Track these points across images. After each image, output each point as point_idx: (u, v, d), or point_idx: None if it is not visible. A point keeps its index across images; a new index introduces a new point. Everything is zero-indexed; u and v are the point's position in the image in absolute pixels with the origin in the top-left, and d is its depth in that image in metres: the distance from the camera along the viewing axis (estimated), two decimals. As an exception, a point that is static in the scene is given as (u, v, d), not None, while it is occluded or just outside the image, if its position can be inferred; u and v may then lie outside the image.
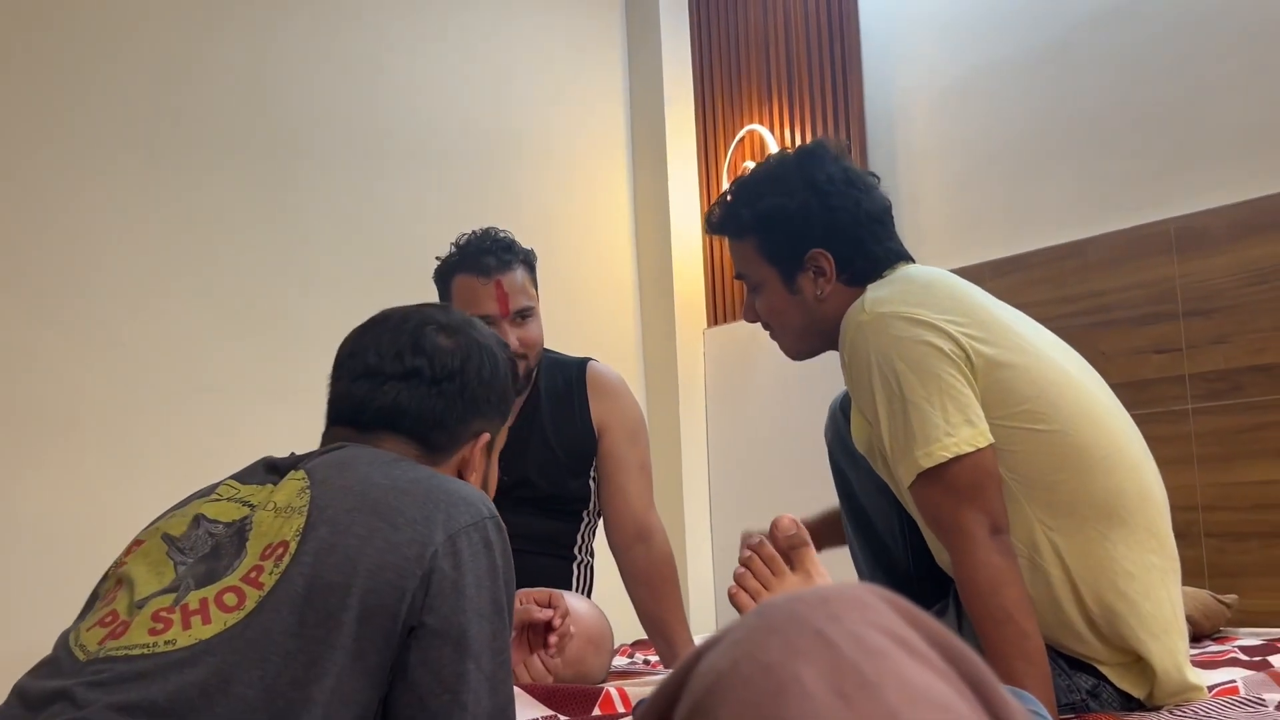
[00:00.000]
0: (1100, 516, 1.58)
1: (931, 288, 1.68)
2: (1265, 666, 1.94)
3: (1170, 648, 1.58)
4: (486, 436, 1.35)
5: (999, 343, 1.62)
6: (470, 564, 1.12)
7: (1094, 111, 3.10)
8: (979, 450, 1.53)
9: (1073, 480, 1.59)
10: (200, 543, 1.15)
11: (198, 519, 1.18)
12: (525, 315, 2.25)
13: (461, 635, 1.09)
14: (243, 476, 1.25)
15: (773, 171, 1.84)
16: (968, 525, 1.52)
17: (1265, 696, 1.62)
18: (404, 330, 1.32)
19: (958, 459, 1.52)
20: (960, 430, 1.53)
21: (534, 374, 2.32)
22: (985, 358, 1.59)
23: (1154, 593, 1.59)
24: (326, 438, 1.31)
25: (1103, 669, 1.60)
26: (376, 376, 1.29)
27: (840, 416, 2.07)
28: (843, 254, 1.76)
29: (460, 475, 1.33)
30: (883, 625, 0.51)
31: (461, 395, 1.31)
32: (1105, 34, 3.07)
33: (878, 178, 1.86)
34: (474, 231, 2.31)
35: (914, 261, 1.81)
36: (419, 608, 1.08)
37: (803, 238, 1.76)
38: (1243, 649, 2.20)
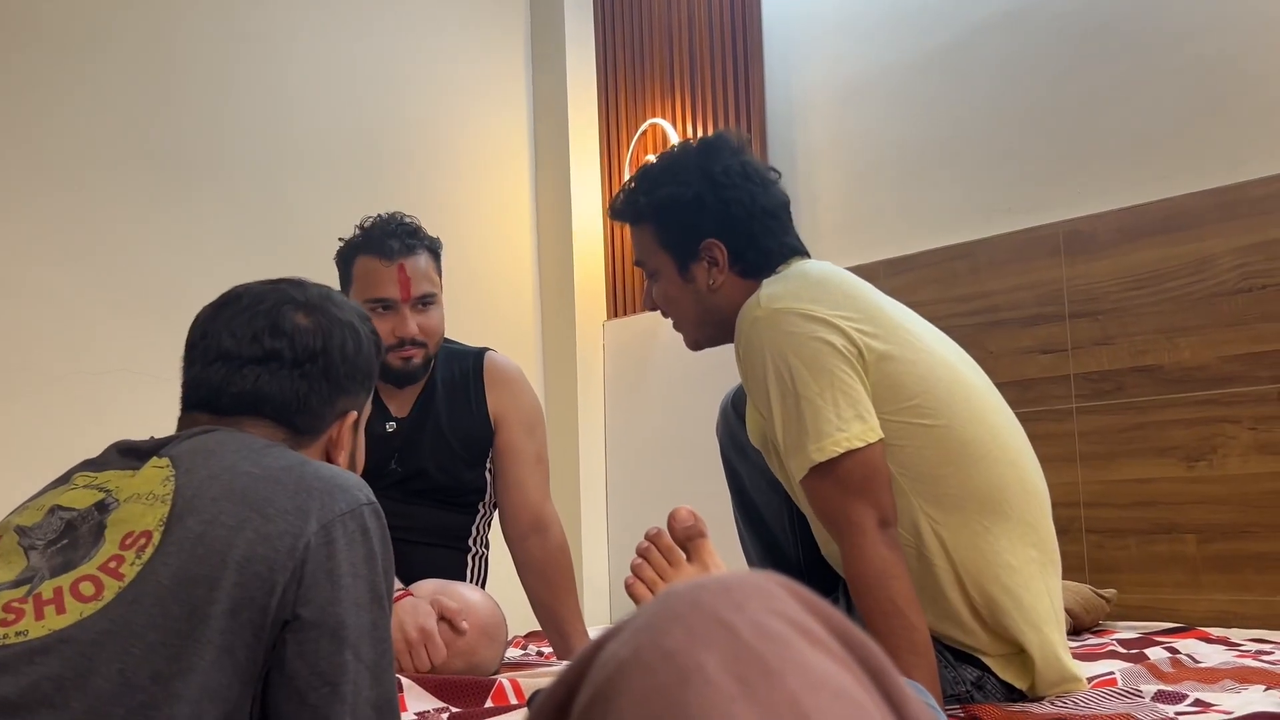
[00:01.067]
0: (983, 510, 1.63)
1: (826, 283, 1.71)
2: (1142, 659, 2.00)
3: (1049, 639, 1.63)
4: (354, 415, 1.31)
5: (889, 338, 1.66)
6: (346, 553, 1.09)
7: (987, 115, 3.16)
8: (869, 445, 1.57)
9: (957, 474, 1.63)
10: (54, 532, 1.10)
11: (53, 510, 1.12)
12: (427, 302, 2.23)
13: (339, 626, 1.06)
14: (96, 464, 1.19)
15: (673, 161, 1.86)
16: (857, 518, 1.55)
17: (1142, 688, 1.68)
18: (259, 311, 1.26)
19: (849, 454, 1.56)
20: (851, 425, 1.57)
21: (432, 363, 2.29)
22: (876, 353, 1.63)
23: (1033, 585, 1.63)
24: (183, 423, 1.25)
25: (986, 660, 1.64)
26: (233, 360, 1.23)
27: (732, 413, 2.10)
28: (735, 246, 1.78)
29: (328, 456, 1.28)
30: (784, 613, 0.51)
31: (326, 376, 1.26)
32: (998, 39, 3.14)
33: (778, 173, 1.89)
34: (379, 215, 2.27)
35: (810, 257, 1.85)
36: (292, 600, 1.05)
37: (696, 227, 1.79)
38: (1120, 642, 2.28)
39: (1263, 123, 2.65)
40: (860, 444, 1.56)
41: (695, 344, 1.95)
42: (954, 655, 1.64)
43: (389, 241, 2.20)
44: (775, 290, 1.69)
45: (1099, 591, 2.54)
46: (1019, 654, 1.63)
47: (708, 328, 1.89)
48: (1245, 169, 2.63)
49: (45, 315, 3.06)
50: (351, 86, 3.79)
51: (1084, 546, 2.76)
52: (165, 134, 3.34)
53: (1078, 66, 2.97)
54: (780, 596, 0.52)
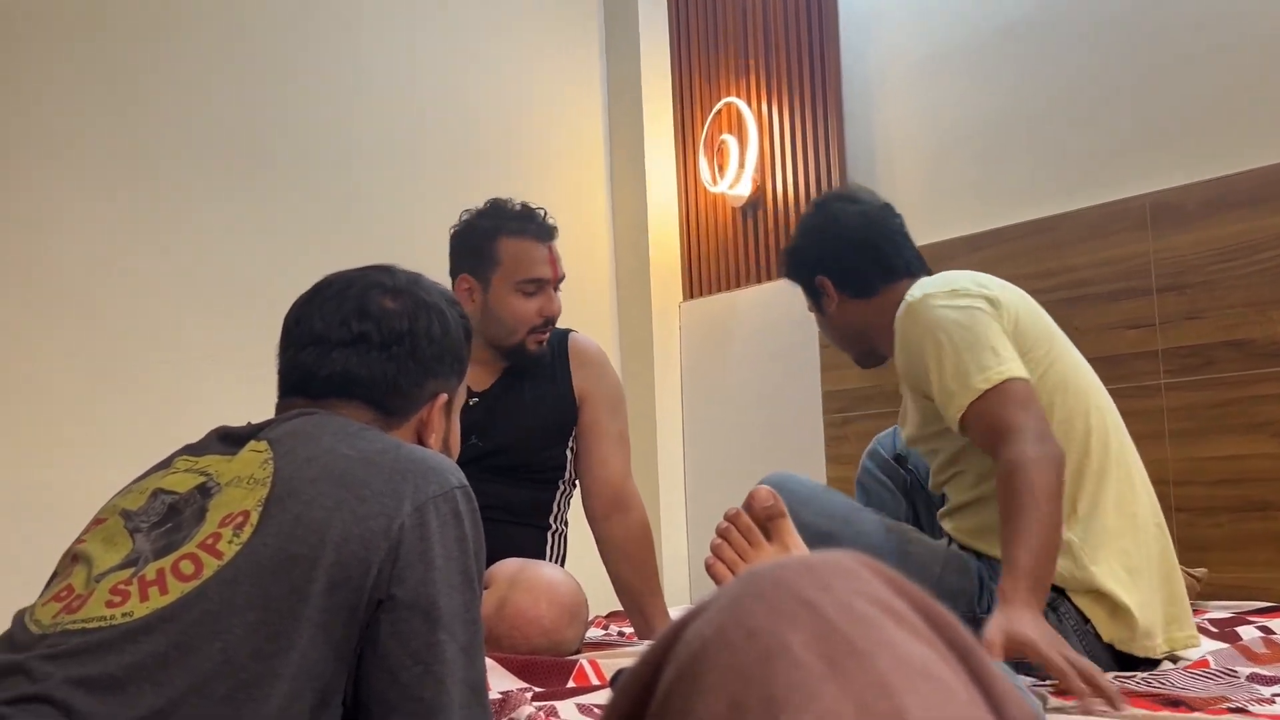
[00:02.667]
0: (1081, 452, 1.81)
1: (958, 275, 1.97)
2: (1234, 639, 1.96)
3: (1128, 585, 1.74)
4: (444, 397, 1.32)
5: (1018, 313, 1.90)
6: (439, 535, 1.10)
7: (1069, 86, 3.10)
8: (1026, 380, 1.75)
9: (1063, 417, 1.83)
10: (158, 515, 1.13)
11: (156, 493, 1.16)
12: (559, 286, 2.31)
13: (431, 606, 1.08)
14: (197, 449, 1.23)
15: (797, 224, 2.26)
16: (1019, 423, 1.69)
17: (1237, 669, 1.64)
18: (349, 295, 1.29)
19: (1010, 380, 1.74)
20: (1010, 362, 1.76)
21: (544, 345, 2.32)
22: (1011, 319, 1.87)
23: (1120, 528, 1.79)
24: (280, 408, 1.28)
25: (1070, 595, 1.74)
26: (324, 344, 1.26)
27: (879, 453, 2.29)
28: (836, 278, 2.10)
29: (419, 438, 1.30)
30: (871, 594, 0.50)
31: (413, 357, 1.28)
32: (1081, 8, 3.06)
33: (876, 208, 2.14)
34: (500, 200, 2.32)
35: (929, 271, 2.09)
36: (387, 580, 1.06)
37: (807, 270, 2.14)
38: (1212, 621, 2.23)
39: (1359, 87, 2.56)
40: (1021, 375, 1.75)
41: (857, 362, 2.23)
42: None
43: (537, 223, 2.27)
44: (915, 291, 1.92)
45: (1189, 571, 2.48)
46: (1101, 596, 1.74)
47: (851, 345, 2.18)
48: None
49: (138, 306, 3.13)
50: (426, 74, 3.82)
51: (1173, 525, 2.69)
52: (244, 129, 3.39)
53: (1163, 34, 2.90)
54: (865, 577, 0.52)
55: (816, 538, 1.75)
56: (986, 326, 1.81)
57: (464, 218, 2.35)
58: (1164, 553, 1.86)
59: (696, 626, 0.52)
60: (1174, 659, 1.81)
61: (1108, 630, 1.73)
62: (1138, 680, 1.62)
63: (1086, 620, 1.74)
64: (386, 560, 1.07)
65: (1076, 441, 1.81)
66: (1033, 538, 1.59)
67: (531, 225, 2.27)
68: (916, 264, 2.10)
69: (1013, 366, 1.75)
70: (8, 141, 2.97)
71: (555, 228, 2.31)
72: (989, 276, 1.98)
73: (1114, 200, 2.92)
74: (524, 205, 2.31)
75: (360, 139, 3.64)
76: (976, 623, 1.66)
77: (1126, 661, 1.79)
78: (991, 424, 1.72)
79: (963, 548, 1.90)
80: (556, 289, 2.31)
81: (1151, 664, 1.80)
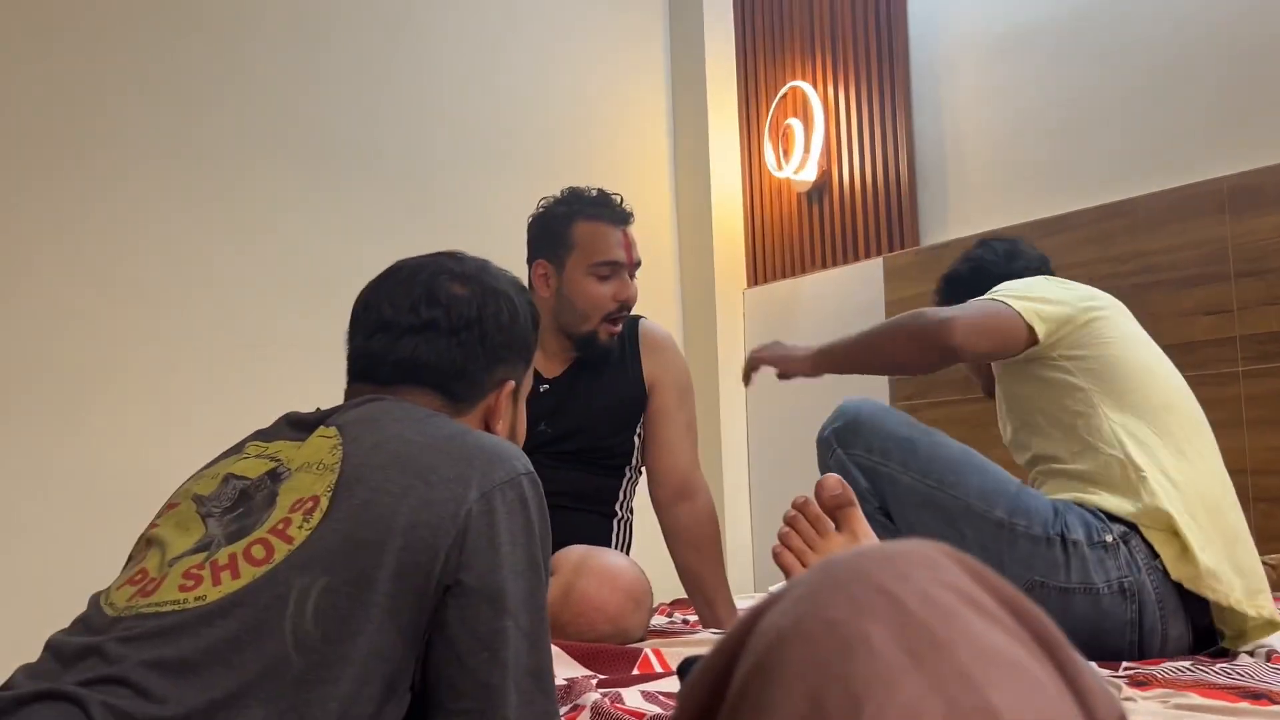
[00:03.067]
0: (1153, 418, 1.90)
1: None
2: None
3: (1203, 535, 1.81)
4: (511, 384, 1.32)
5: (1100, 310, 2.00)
6: (506, 521, 1.10)
7: (1144, 68, 3.03)
8: (1019, 313, 1.91)
9: (1137, 387, 1.93)
10: (230, 500, 1.14)
11: (227, 478, 1.17)
12: (634, 272, 2.31)
13: (498, 593, 1.08)
14: (267, 434, 1.24)
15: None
16: (949, 311, 1.93)
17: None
18: (417, 281, 1.29)
19: (999, 303, 1.93)
20: (1019, 302, 1.92)
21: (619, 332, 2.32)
22: (1088, 315, 1.97)
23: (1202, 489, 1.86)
24: (349, 394, 1.29)
25: (1141, 529, 1.82)
26: (392, 330, 1.26)
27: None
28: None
29: (487, 425, 1.30)
30: (952, 584, 0.49)
31: (481, 344, 1.28)
32: (1158, -13, 3.00)
33: (1036, 258, 2.26)
34: (577, 187, 2.33)
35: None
36: (455, 566, 1.07)
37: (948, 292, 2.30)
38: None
39: None
40: (1016, 306, 1.91)
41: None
42: (1108, 515, 1.84)
43: (613, 208, 2.28)
44: None
45: (1264, 559, 2.42)
46: (1171, 536, 1.80)
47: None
48: None
49: (215, 297, 3.18)
50: (493, 60, 3.83)
51: (1252, 515, 2.63)
52: (324, 128, 3.42)
53: (1242, 12, 2.82)
54: (947, 567, 0.50)
55: (896, 442, 1.92)
56: (1031, 286, 1.98)
57: (541, 205, 2.35)
58: (1238, 526, 1.90)
59: (772, 617, 0.51)
60: (1251, 650, 1.78)
61: (1175, 569, 1.79)
62: (1216, 670, 1.59)
63: (1156, 555, 1.80)
64: (454, 546, 1.07)
65: (1158, 418, 1.91)
66: (868, 333, 2.04)
67: (606, 209, 2.27)
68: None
69: (1010, 301, 1.93)
70: (93, 142, 3.02)
71: (631, 213, 2.31)
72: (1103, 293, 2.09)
73: (1191, 183, 2.85)
74: (600, 191, 2.31)
75: (434, 135, 3.66)
76: (1047, 541, 1.81)
77: (1203, 639, 1.83)
78: (967, 305, 1.98)
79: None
80: (632, 275, 2.30)
81: (1227, 653, 1.82)
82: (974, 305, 1.96)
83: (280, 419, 1.26)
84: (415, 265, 1.33)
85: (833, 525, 1.35)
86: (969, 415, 3.17)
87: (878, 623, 0.47)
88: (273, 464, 1.16)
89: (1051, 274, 2.21)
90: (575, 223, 2.27)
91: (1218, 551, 1.80)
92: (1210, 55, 2.88)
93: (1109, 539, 1.80)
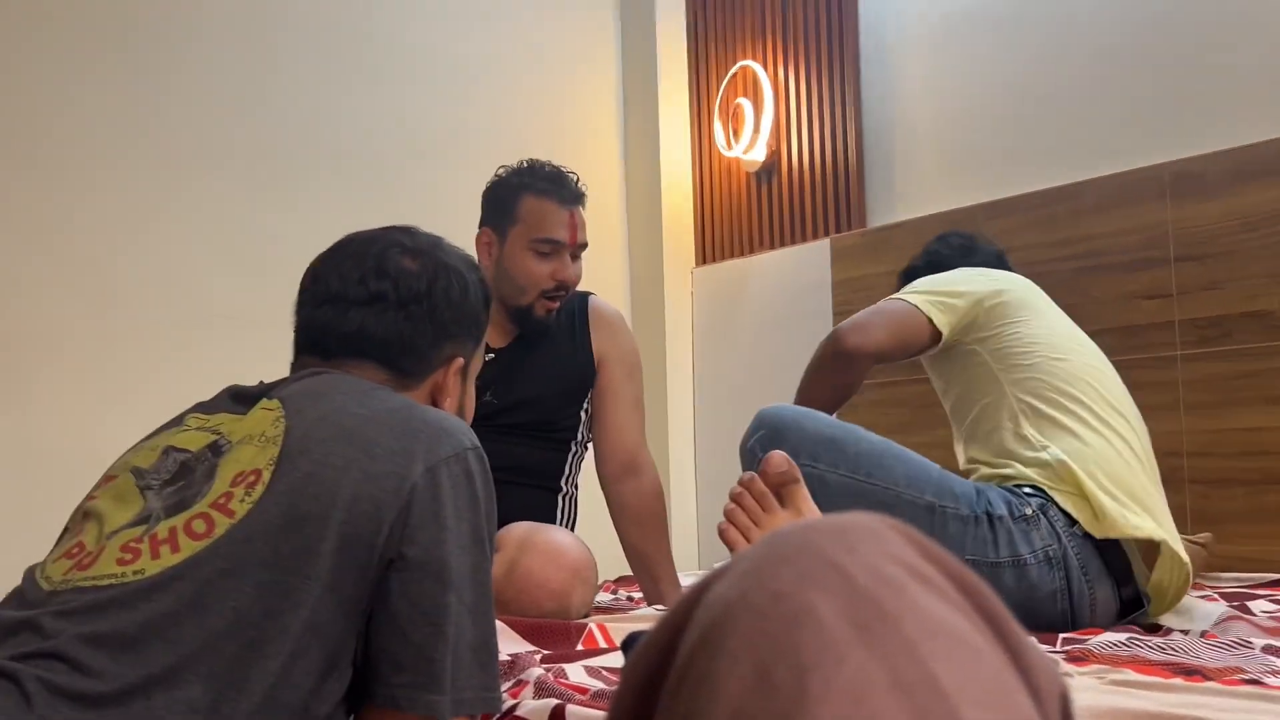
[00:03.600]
0: (1059, 396, 2.00)
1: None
2: (1245, 612, 1.95)
3: (1111, 493, 1.90)
4: (460, 361, 1.31)
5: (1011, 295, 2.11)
6: (450, 495, 1.09)
7: (1091, 53, 3.06)
8: (928, 317, 2.05)
9: (1043, 366, 2.03)
10: (169, 473, 1.12)
11: (167, 450, 1.15)
12: (578, 254, 2.29)
13: (442, 567, 1.07)
14: (209, 406, 1.22)
15: None
16: (881, 319, 2.08)
17: (1252, 640, 1.63)
18: (367, 254, 1.27)
19: (901, 303, 2.08)
20: (914, 296, 2.07)
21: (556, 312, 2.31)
22: (993, 296, 2.09)
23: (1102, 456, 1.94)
24: (295, 367, 1.28)
25: (1051, 494, 1.90)
26: (339, 302, 1.24)
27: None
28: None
29: (434, 402, 1.29)
30: (898, 557, 0.49)
31: (430, 318, 1.26)
32: (1106, -26, 3.02)
33: (993, 254, 2.35)
34: (536, 160, 2.31)
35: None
36: (398, 540, 1.06)
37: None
38: (1223, 595, 2.22)
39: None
40: (911, 300, 2.07)
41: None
42: (1022, 489, 1.93)
43: (566, 187, 2.26)
44: None
45: (1192, 539, 2.47)
46: (1082, 496, 1.89)
47: None
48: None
49: (144, 266, 3.12)
50: (443, 33, 3.79)
51: (1187, 497, 2.68)
52: (258, 87, 3.37)
53: (1189, 2, 2.85)
54: (894, 540, 0.50)
55: (822, 443, 1.95)
56: (932, 282, 2.13)
57: (498, 174, 2.33)
58: (1158, 497, 1.99)
59: (719, 590, 0.51)
60: (1185, 628, 1.82)
61: (1093, 527, 1.88)
62: (1152, 645, 1.62)
63: (1073, 521, 1.89)
64: (398, 520, 1.06)
65: (1057, 386, 2.00)
66: (801, 383, 2.19)
67: (556, 187, 2.25)
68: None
69: (906, 296, 2.09)
70: (37, 118, 2.95)
71: (583, 194, 2.29)
72: (1013, 276, 2.20)
73: (1134, 169, 2.89)
74: (555, 167, 2.29)
75: (382, 108, 3.61)
76: (974, 519, 1.88)
77: (1129, 605, 1.92)
78: (874, 306, 2.12)
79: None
80: (575, 256, 2.28)
81: (1155, 628, 1.88)
82: (870, 308, 2.12)
83: (222, 391, 1.24)
84: (366, 238, 1.31)
85: (778, 502, 1.35)
86: (910, 396, 3.20)
87: (825, 595, 0.47)
88: (214, 437, 1.15)
89: (1009, 268, 2.30)
90: (523, 196, 2.25)
91: (1127, 501, 1.89)
92: (1155, 43, 2.92)
93: (1029, 511, 1.89)
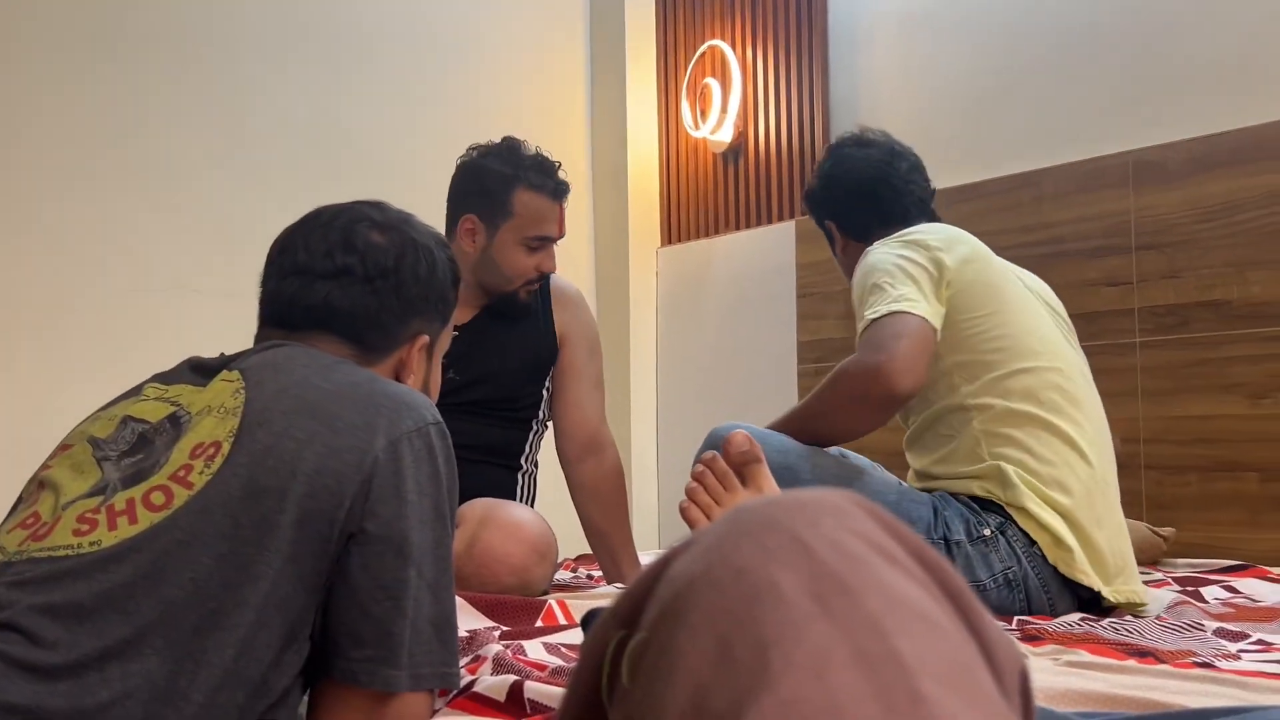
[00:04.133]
0: (1023, 401, 1.91)
1: (924, 229, 2.05)
2: (1198, 598, 1.98)
3: (1070, 518, 1.85)
4: (425, 338, 1.31)
5: (972, 267, 1.97)
6: (412, 470, 1.09)
7: (1057, 42, 3.07)
8: (922, 317, 1.85)
9: (1006, 367, 1.93)
10: (127, 444, 1.11)
11: (125, 420, 1.14)
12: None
13: (403, 541, 1.07)
14: (168, 377, 1.21)
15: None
16: (877, 342, 1.83)
17: (1204, 623, 1.66)
18: (335, 227, 1.27)
19: (902, 314, 1.85)
20: (912, 299, 1.87)
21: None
22: (955, 271, 1.95)
23: (1058, 471, 1.89)
24: (258, 338, 1.27)
25: (1010, 511, 1.86)
26: (306, 274, 1.23)
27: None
28: (841, 223, 2.22)
29: (398, 378, 1.29)
30: (862, 532, 0.49)
31: (397, 294, 1.26)
32: (1074, -38, 3.04)
33: (885, 151, 2.20)
34: (515, 141, 2.29)
35: (932, 218, 2.18)
36: (359, 514, 1.05)
37: (820, 214, 2.28)
38: (1176, 579, 2.25)
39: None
40: (912, 310, 1.85)
41: None
42: (979, 504, 1.88)
43: (557, 180, 2.27)
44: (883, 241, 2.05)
45: (1157, 530, 2.51)
46: (1039, 524, 1.85)
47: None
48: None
49: (104, 235, 3.08)
50: (412, 5, 3.75)
51: (1143, 483, 2.72)
52: (218, 46, 3.33)
53: (1154, -10, 2.88)
54: (857, 515, 0.50)
55: (778, 470, 1.77)
56: (908, 273, 1.92)
57: (475, 154, 2.31)
58: (1110, 508, 1.93)
59: (681, 564, 0.51)
60: (1136, 613, 1.84)
61: (1051, 553, 1.84)
62: (1105, 625, 1.64)
63: (1033, 542, 1.84)
64: (359, 494, 1.05)
65: (1017, 395, 1.91)
66: (798, 409, 1.97)
67: (550, 182, 2.26)
68: (917, 210, 2.16)
69: (908, 302, 1.86)
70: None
71: (569, 187, 2.30)
72: (963, 239, 2.03)
73: (1097, 157, 2.91)
74: (540, 154, 2.28)
75: (349, 79, 3.58)
76: (932, 546, 1.73)
77: (1088, 605, 1.87)
78: (862, 344, 1.88)
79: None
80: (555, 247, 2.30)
81: (1105, 608, 1.87)
82: (892, 332, 1.84)
83: (182, 363, 1.23)
84: (335, 211, 1.30)
85: (740, 482, 1.36)
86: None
87: (787, 569, 0.47)
88: (173, 408, 1.13)
89: (902, 176, 2.16)
90: (517, 189, 2.24)
91: (1085, 544, 1.85)
92: (1119, 33, 2.93)
93: (987, 532, 1.85)
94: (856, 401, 1.86)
